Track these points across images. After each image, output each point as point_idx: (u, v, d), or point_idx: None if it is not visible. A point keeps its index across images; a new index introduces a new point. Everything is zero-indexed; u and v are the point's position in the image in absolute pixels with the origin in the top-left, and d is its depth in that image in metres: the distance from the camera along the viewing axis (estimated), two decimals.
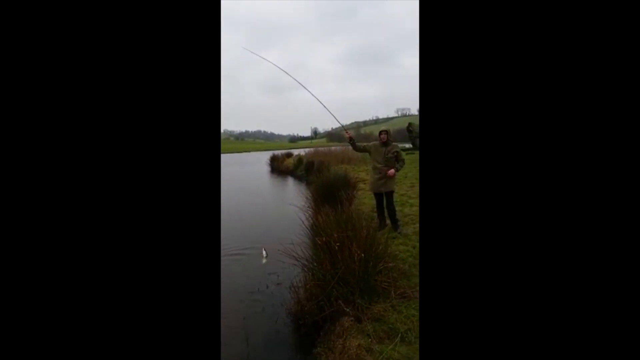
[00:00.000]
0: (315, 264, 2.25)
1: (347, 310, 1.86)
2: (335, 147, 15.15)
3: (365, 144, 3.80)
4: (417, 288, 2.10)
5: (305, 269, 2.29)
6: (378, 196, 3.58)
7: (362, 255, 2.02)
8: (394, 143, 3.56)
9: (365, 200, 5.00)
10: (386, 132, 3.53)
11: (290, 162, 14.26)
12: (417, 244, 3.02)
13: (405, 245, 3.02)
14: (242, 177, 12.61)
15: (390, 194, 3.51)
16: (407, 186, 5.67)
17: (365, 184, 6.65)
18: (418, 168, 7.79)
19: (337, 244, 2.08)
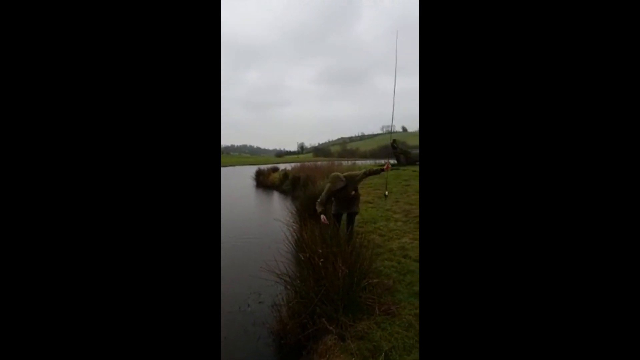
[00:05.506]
0: (298, 281, 2.20)
1: (331, 328, 1.82)
2: (322, 162, 15.23)
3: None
4: (401, 304, 2.08)
5: (288, 287, 2.24)
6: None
7: (347, 271, 2.00)
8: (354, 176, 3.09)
9: None
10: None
11: (275, 176, 14.19)
12: (402, 259, 3.02)
13: (390, 261, 3.01)
14: (224, 193, 12.39)
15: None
16: (391, 201, 5.73)
17: None
18: (402, 184, 7.82)
19: (321, 260, 2.05)
